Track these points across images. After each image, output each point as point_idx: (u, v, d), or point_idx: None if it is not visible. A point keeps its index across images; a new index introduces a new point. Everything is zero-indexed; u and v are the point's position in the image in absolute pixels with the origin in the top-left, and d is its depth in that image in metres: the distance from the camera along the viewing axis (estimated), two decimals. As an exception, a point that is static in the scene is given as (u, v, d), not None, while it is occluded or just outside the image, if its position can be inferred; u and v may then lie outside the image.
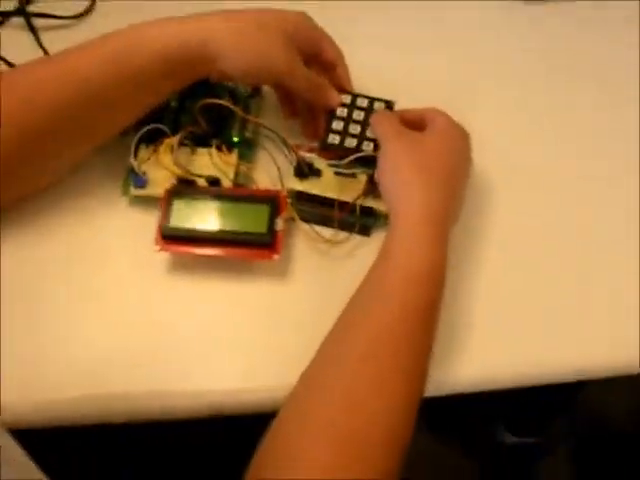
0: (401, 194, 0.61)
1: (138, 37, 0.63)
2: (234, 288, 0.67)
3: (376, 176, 0.65)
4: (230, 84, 0.73)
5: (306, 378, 0.56)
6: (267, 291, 0.66)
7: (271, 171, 0.70)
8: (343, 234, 0.68)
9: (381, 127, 0.66)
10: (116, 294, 0.66)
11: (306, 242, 0.68)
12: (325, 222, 0.68)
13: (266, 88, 0.76)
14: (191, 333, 0.65)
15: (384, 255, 0.60)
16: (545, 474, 1.28)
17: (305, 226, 0.67)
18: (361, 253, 0.68)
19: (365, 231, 0.69)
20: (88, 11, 0.82)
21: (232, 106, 0.69)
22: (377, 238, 0.68)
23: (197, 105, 0.69)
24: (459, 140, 0.65)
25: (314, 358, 0.57)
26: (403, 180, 0.62)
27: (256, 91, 0.74)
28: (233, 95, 0.72)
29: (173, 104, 0.72)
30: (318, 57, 0.70)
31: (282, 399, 0.56)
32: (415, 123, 0.67)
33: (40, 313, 0.65)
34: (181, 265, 0.68)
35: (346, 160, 0.67)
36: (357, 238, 0.68)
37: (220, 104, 0.69)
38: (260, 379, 0.63)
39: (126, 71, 0.62)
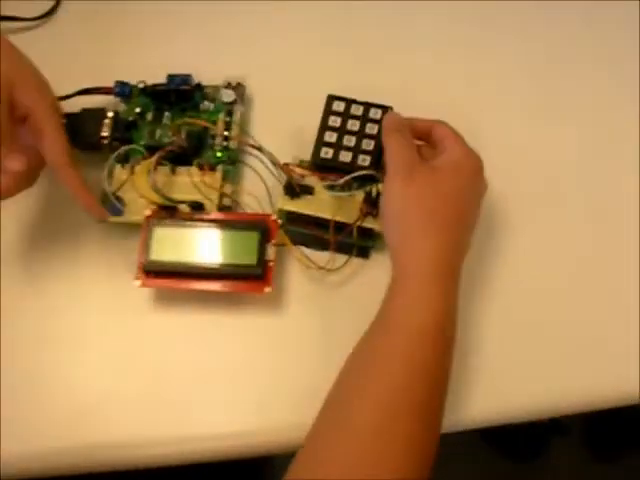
0: (407, 244, 0.56)
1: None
2: (225, 322, 0.62)
3: (379, 217, 0.60)
4: (210, 90, 0.67)
5: (309, 451, 0.51)
6: (261, 324, 0.62)
7: (258, 191, 0.64)
8: (340, 258, 0.63)
9: (394, 152, 0.59)
10: (98, 334, 0.62)
11: (300, 268, 0.63)
12: (320, 245, 0.63)
13: (253, 93, 0.70)
14: (182, 373, 0.60)
15: (387, 313, 0.55)
16: (558, 454, 1.25)
17: (298, 252, 0.62)
18: (360, 277, 0.63)
19: (364, 253, 0.64)
20: (52, 11, 0.75)
21: (211, 125, 0.63)
22: (376, 260, 0.63)
23: (174, 124, 0.63)
24: (473, 175, 0.58)
25: (317, 423, 0.52)
26: (410, 229, 0.56)
27: (240, 96, 0.68)
28: (214, 101, 0.67)
29: (149, 117, 0.66)
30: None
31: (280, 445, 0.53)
32: (422, 134, 0.61)
33: (15, 359, 0.61)
34: (166, 298, 0.63)
35: (341, 181, 0.61)
36: (355, 261, 0.63)
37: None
38: (259, 421, 0.59)
39: None
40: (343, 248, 0.63)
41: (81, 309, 0.63)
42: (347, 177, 0.61)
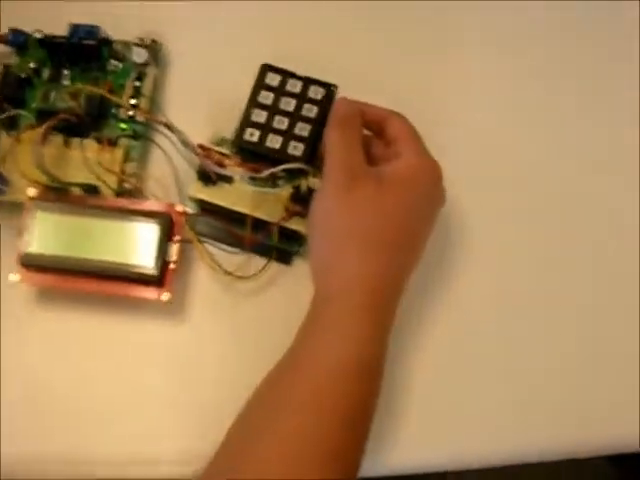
0: (334, 265, 0.47)
1: None
2: (115, 329, 0.53)
3: (308, 222, 0.50)
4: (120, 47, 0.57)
5: None
6: (157, 334, 0.53)
7: (166, 176, 0.54)
8: (256, 261, 0.53)
9: (335, 153, 0.48)
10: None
11: (208, 269, 0.53)
12: (235, 243, 0.53)
13: (172, 54, 0.59)
14: (61, 386, 0.52)
15: (301, 343, 0.46)
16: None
17: (205, 252, 0.52)
18: (278, 286, 0.54)
19: (285, 259, 0.54)
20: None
21: (113, 97, 0.52)
22: (300, 268, 0.54)
23: (71, 87, 0.53)
24: (428, 188, 0.49)
25: (215, 462, 0.44)
26: (339, 247, 0.47)
27: (154, 57, 0.57)
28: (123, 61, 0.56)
29: (45, 75, 0.56)
30: None
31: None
32: (374, 125, 0.51)
33: None
34: (50, 297, 0.54)
35: (266, 173, 0.50)
36: (274, 266, 0.54)
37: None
38: (157, 446, 0.51)
39: None
40: (262, 250, 0.53)
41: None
42: (273, 169, 0.50)
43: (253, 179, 0.52)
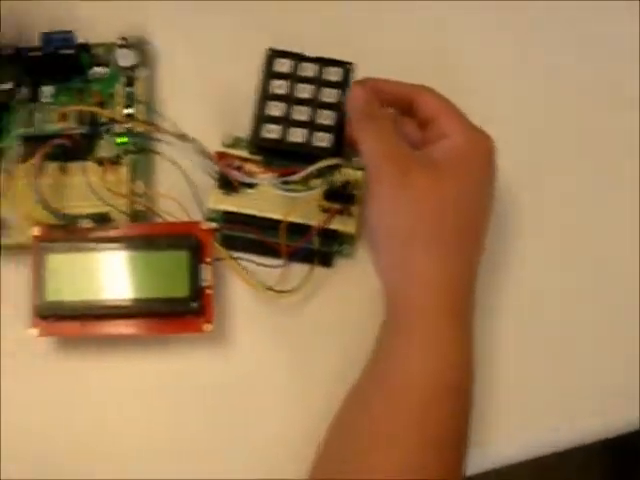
0: (405, 271, 0.42)
1: None
2: (148, 370, 0.47)
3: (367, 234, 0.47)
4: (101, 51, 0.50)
5: None
6: (199, 370, 0.47)
7: (178, 190, 0.48)
8: (294, 268, 0.47)
9: (373, 150, 0.43)
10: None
11: (243, 285, 0.47)
12: (267, 250, 0.48)
13: (159, 52, 0.52)
14: (99, 439, 0.46)
15: (384, 367, 0.42)
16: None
17: (239, 268, 0.47)
18: (324, 292, 0.48)
19: (326, 261, 0.49)
20: None
21: (105, 112, 0.46)
22: (341, 268, 0.49)
23: (58, 111, 0.46)
24: (485, 166, 0.44)
25: None
26: (407, 250, 0.42)
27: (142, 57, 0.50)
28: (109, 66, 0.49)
29: (23, 94, 0.49)
30: None
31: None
32: (397, 103, 0.46)
33: None
34: (71, 344, 0.47)
35: (300, 175, 0.45)
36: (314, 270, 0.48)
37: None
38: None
39: None
40: (300, 256, 0.48)
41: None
42: (307, 171, 0.45)
43: (286, 183, 0.46)
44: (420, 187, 0.41)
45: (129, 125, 0.48)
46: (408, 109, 0.46)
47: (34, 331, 0.45)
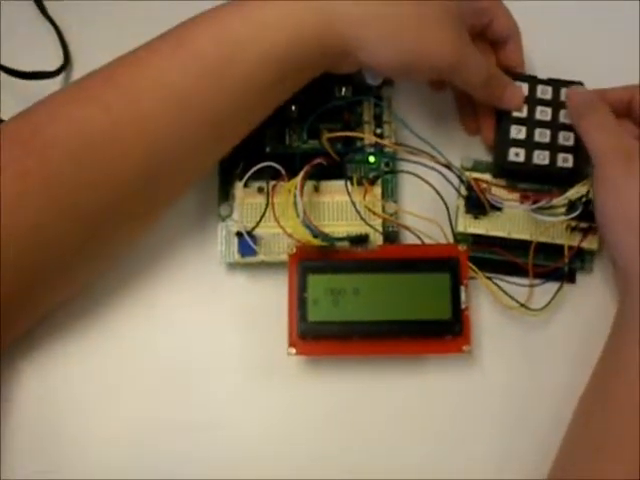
0: None
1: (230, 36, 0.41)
2: (400, 387, 0.48)
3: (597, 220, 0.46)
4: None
5: None
6: (447, 386, 0.48)
7: (422, 207, 0.48)
8: (539, 288, 0.48)
9: (601, 140, 0.45)
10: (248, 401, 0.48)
11: (488, 304, 0.48)
12: (509, 269, 0.48)
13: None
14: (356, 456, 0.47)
15: (629, 358, 0.42)
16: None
17: (496, 288, 0.47)
18: (568, 308, 0.49)
19: (570, 277, 0.49)
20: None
21: (365, 135, 0.48)
22: (582, 282, 0.49)
23: (324, 136, 0.46)
24: None
25: None
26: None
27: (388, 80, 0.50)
28: (356, 88, 0.48)
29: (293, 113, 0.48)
30: (485, 30, 0.47)
31: None
32: (618, 105, 0.47)
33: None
34: (318, 362, 0.48)
35: (554, 201, 0.46)
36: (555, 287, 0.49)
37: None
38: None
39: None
40: (544, 274, 0.48)
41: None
42: (563, 196, 0.46)
43: (540, 208, 0.47)
44: None
45: (384, 145, 0.48)
46: (627, 112, 0.48)
47: (292, 350, 0.45)
